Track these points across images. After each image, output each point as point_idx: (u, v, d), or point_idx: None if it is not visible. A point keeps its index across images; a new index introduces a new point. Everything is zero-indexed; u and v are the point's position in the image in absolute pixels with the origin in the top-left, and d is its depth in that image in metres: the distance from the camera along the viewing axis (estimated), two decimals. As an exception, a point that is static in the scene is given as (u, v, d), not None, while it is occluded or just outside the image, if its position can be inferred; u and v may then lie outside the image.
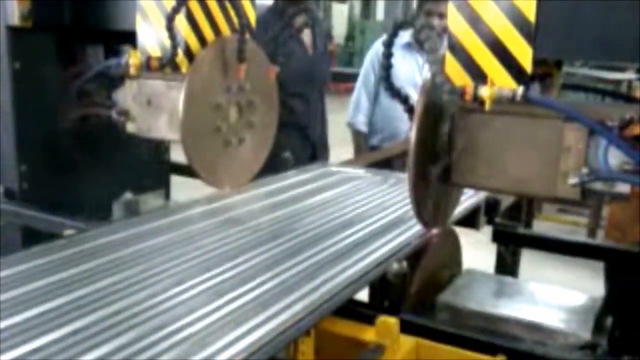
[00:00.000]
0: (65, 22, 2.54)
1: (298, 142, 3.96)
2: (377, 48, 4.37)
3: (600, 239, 5.37)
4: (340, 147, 4.95)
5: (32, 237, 2.28)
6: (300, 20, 3.65)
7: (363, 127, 4.40)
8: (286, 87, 3.18)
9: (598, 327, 1.92)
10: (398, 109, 1.92)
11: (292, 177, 2.92)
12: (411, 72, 4.14)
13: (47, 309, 1.52)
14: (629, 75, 7.78)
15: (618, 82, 7.18)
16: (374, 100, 4.36)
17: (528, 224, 3.18)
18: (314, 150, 4.10)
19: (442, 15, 3.72)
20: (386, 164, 3.52)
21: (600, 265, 3.03)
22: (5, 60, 2.42)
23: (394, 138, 4.23)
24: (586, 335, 1.84)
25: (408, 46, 4.19)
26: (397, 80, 1.88)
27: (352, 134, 4.51)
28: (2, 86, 2.44)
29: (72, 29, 2.55)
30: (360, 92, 4.40)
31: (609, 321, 1.99)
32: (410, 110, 1.82)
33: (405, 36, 4.15)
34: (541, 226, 5.41)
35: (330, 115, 4.39)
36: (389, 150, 3.91)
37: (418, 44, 4.09)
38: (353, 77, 4.62)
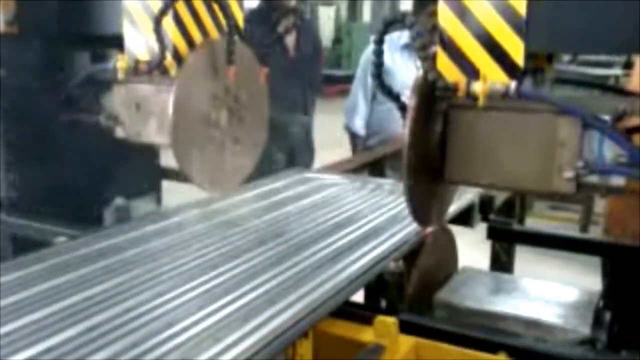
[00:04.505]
0: (51, 27, 2.51)
1: (273, 143, 3.89)
2: (371, 49, 4.29)
3: (592, 234, 5.38)
4: (330, 149, 4.93)
5: (23, 246, 2.24)
6: (286, 22, 3.63)
7: (361, 131, 4.30)
8: None
9: (597, 323, 1.91)
10: (395, 110, 1.88)
11: (269, 184, 2.84)
12: (411, 72, 4.06)
13: (43, 315, 1.50)
14: (616, 71, 7.86)
15: (605, 78, 7.23)
16: (372, 101, 4.26)
17: (521, 221, 3.16)
18: (292, 151, 4.05)
19: None
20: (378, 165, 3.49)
21: (593, 261, 3.02)
22: (-10, 68, 2.40)
23: (392, 140, 4.16)
24: (585, 330, 1.83)
25: (407, 47, 3.99)
26: (395, 81, 1.85)
27: (349, 137, 4.43)
28: (-13, 94, 2.42)
29: (58, 34, 2.52)
30: (357, 95, 4.29)
31: (607, 316, 1.98)
32: (402, 108, 1.81)
33: (404, 37, 3.99)
34: (533, 223, 5.41)
35: (318, 117, 4.35)
36: (380, 151, 3.87)
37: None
38: (341, 80, 4.60)
